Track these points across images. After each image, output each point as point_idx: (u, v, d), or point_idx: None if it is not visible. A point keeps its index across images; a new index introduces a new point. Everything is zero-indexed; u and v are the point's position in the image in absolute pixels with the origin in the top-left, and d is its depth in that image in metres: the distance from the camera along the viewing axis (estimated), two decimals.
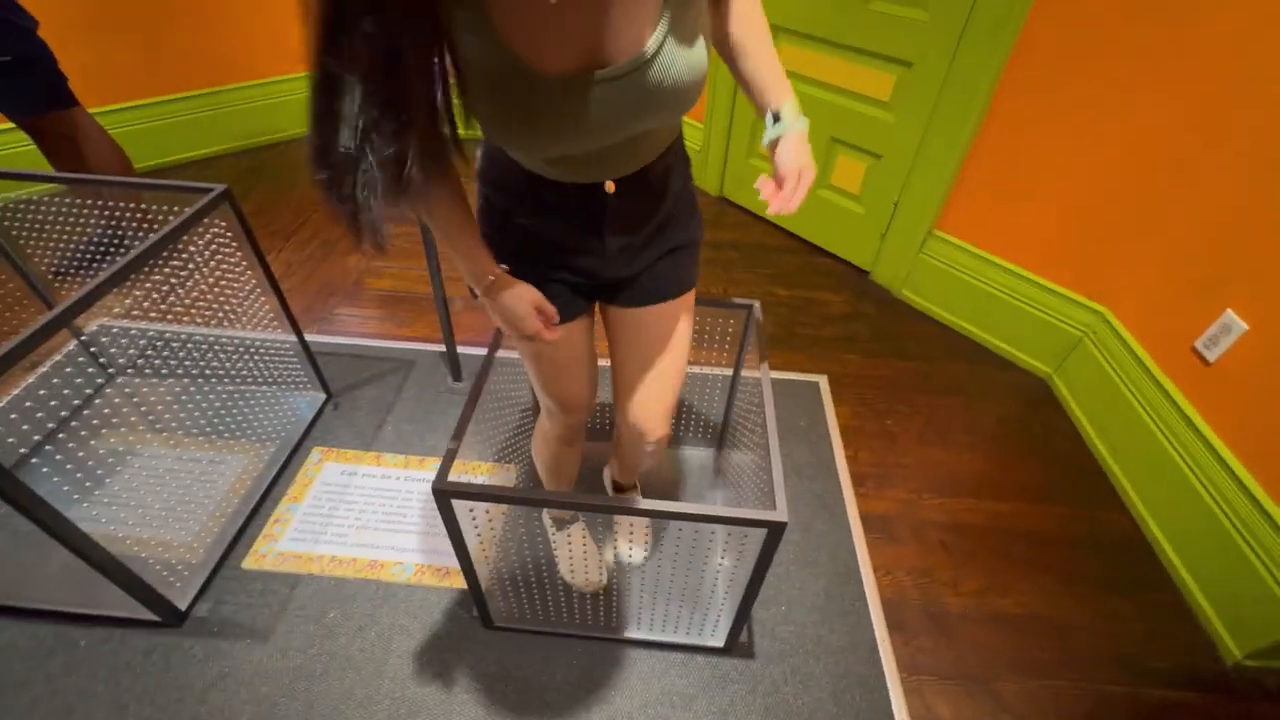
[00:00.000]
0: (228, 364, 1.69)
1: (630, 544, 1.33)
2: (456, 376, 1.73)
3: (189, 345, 1.75)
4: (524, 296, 0.75)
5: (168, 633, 1.17)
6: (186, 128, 2.70)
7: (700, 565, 1.33)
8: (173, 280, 1.39)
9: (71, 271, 1.84)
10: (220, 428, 1.54)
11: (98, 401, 1.59)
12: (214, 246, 1.34)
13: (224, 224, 1.30)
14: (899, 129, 1.95)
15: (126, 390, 1.63)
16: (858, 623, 1.25)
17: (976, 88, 1.70)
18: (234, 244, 1.33)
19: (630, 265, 0.85)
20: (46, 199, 1.39)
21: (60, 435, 1.50)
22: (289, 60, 2.86)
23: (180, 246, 1.27)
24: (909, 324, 2.06)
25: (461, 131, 0.61)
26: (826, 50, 2.03)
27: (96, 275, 0.99)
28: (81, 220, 1.42)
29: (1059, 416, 1.75)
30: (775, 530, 0.86)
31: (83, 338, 1.65)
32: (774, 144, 0.75)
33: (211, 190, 1.22)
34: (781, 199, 0.71)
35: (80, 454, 1.45)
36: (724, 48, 0.78)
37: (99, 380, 1.64)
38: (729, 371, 1.43)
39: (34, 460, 1.44)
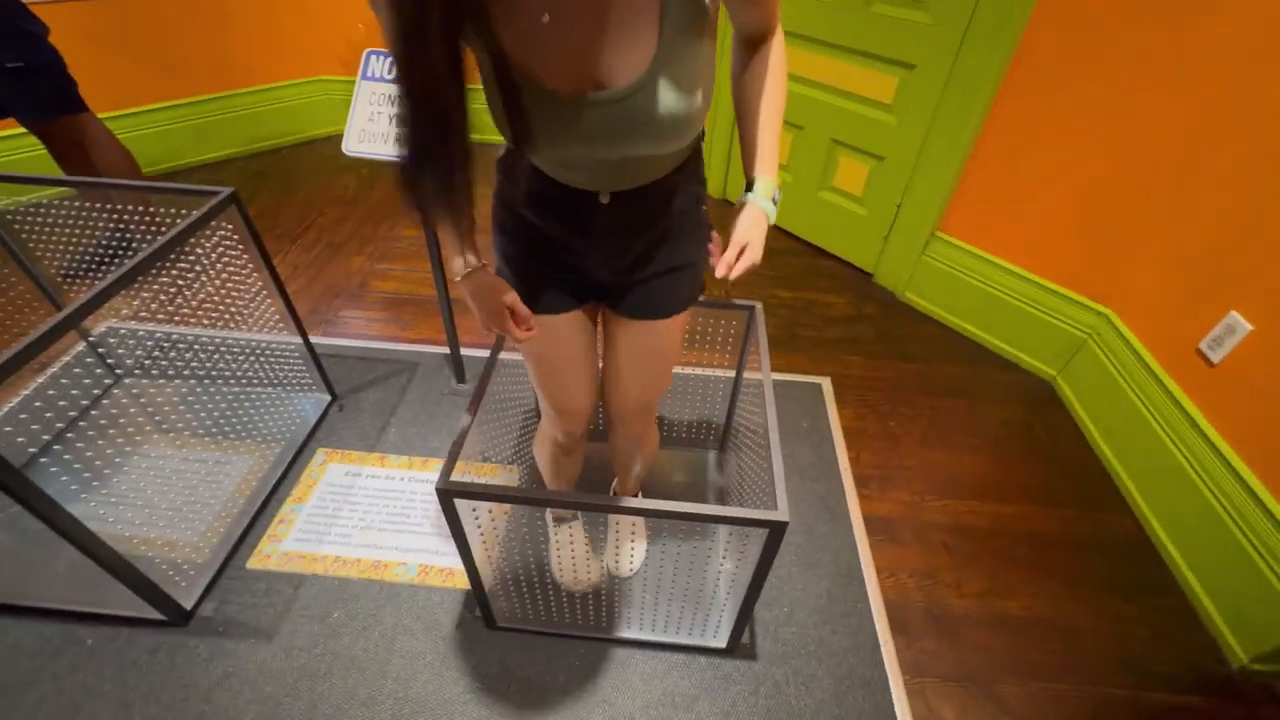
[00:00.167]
0: (234, 365, 1.70)
1: (618, 551, 1.33)
2: (460, 378, 1.74)
3: (195, 347, 1.76)
4: (495, 292, 0.78)
5: (173, 632, 1.18)
6: (194, 132, 2.72)
7: (702, 566, 1.33)
8: (180, 283, 1.40)
9: (80, 274, 1.86)
10: (226, 429, 1.55)
11: (105, 402, 1.61)
12: (220, 249, 1.35)
13: (230, 227, 1.32)
14: (901, 131, 1.95)
15: (134, 391, 1.65)
16: (860, 624, 1.25)
17: (978, 90, 1.70)
18: (240, 247, 1.34)
19: (619, 274, 0.85)
20: (56, 202, 1.40)
21: (68, 435, 1.52)
22: (295, 66, 2.89)
23: (187, 249, 1.28)
24: (912, 326, 2.06)
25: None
26: (829, 53, 2.04)
27: (104, 278, 1.01)
28: (90, 223, 1.44)
29: (1062, 418, 1.75)
30: (776, 530, 0.86)
31: (91, 339, 1.67)
32: (739, 209, 0.78)
33: (218, 193, 1.23)
34: (723, 263, 0.74)
35: (88, 454, 1.46)
36: (736, 98, 0.80)
37: (107, 381, 1.66)
38: (731, 373, 1.43)
39: (43, 460, 1.45)
